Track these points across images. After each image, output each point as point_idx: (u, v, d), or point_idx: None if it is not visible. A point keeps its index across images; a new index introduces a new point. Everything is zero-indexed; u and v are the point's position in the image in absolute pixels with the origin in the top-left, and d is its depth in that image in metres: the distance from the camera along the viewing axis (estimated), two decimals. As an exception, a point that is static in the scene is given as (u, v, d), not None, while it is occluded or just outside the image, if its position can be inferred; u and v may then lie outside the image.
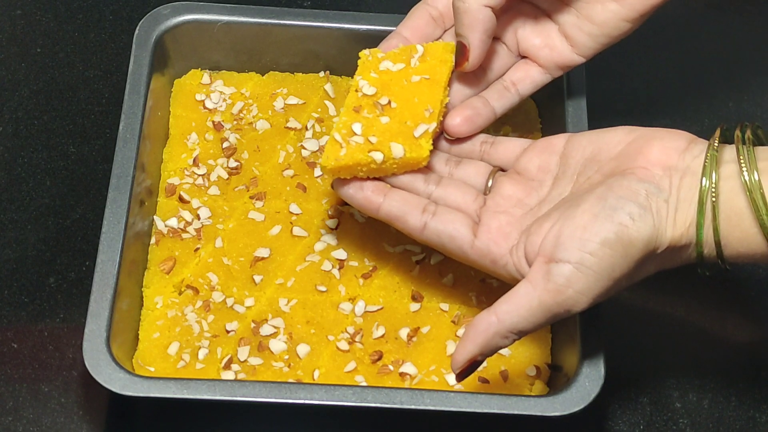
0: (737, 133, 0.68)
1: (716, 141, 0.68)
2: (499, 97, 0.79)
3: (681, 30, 0.99)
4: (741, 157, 0.66)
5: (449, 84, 0.77)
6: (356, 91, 0.75)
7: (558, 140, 0.75)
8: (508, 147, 0.77)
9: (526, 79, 0.80)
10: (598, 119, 0.92)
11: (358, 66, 0.77)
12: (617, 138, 0.72)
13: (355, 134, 0.74)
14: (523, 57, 0.81)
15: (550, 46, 0.79)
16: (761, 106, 0.95)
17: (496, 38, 0.80)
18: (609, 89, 0.95)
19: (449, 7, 0.78)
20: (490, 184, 0.76)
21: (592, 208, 0.67)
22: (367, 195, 0.74)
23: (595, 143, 0.73)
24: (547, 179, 0.74)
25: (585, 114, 0.85)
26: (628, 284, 0.69)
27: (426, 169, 0.75)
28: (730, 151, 0.68)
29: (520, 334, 0.68)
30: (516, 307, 0.67)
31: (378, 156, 0.73)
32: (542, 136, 0.88)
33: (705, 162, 0.68)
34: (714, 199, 0.67)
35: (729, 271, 0.69)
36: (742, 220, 0.66)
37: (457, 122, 0.77)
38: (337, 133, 0.74)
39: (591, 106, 0.86)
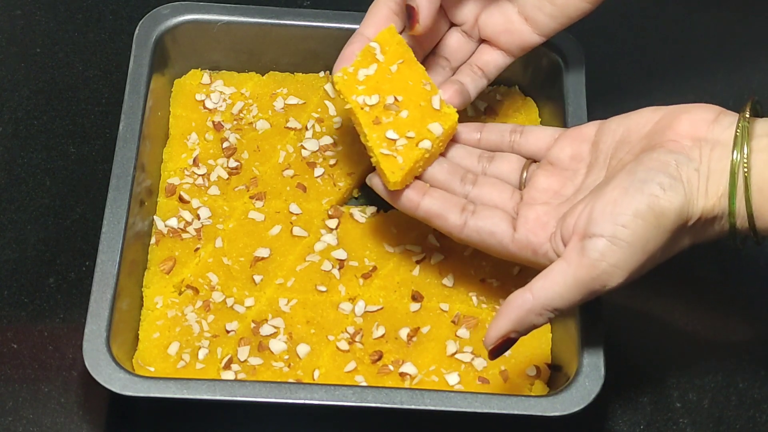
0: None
1: (747, 113, 0.69)
2: (471, 81, 0.80)
3: (681, 29, 0.99)
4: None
5: None
6: (361, 108, 0.75)
7: (589, 128, 0.76)
8: (539, 137, 0.77)
9: (490, 63, 0.81)
10: (598, 119, 0.93)
11: (340, 92, 0.76)
12: (645, 117, 0.72)
13: (395, 140, 0.74)
14: (484, 41, 0.81)
15: (510, 30, 0.80)
16: (761, 106, 0.95)
17: (455, 25, 0.81)
18: (609, 89, 0.95)
19: None
20: (525, 177, 0.76)
21: (622, 183, 0.68)
22: (407, 194, 0.75)
23: (625, 125, 0.73)
24: (581, 168, 0.75)
25: (585, 114, 0.85)
26: (663, 258, 0.69)
27: (459, 168, 0.77)
28: (761, 125, 0.68)
29: (555, 312, 0.69)
30: (551, 284, 0.68)
31: (427, 144, 0.74)
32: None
33: (736, 133, 0.68)
34: (746, 171, 0.67)
35: (761, 244, 0.69)
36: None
37: (448, 96, 0.78)
38: (382, 148, 0.74)
39: (591, 106, 0.86)
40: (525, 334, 0.70)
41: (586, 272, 0.67)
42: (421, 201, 0.75)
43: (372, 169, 0.78)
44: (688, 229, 0.68)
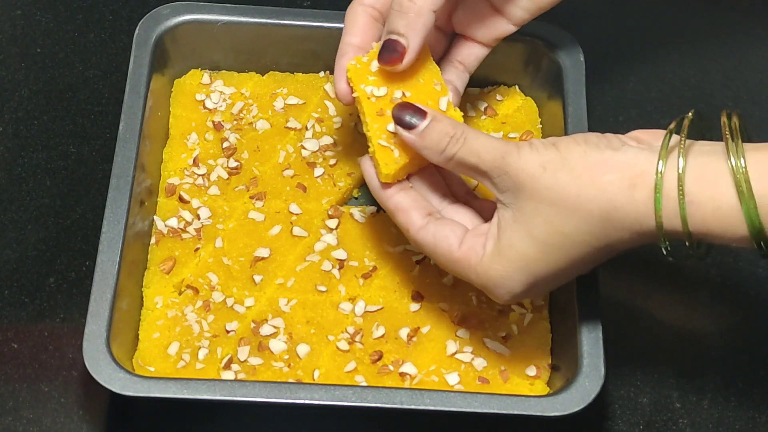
0: (723, 117, 0.67)
1: (691, 113, 0.68)
2: (457, 77, 0.81)
3: (680, 30, 0.99)
4: (726, 133, 0.65)
5: None
6: (369, 98, 0.75)
7: None
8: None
9: (470, 56, 0.81)
10: (598, 119, 0.93)
11: (350, 79, 0.76)
12: None
13: (396, 133, 0.74)
14: (458, 35, 0.82)
15: (485, 25, 0.81)
16: (761, 106, 0.95)
17: None
18: (609, 89, 0.95)
19: (384, 3, 0.77)
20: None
21: None
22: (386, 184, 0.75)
23: None
24: None
25: (585, 114, 0.85)
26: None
27: (444, 185, 0.76)
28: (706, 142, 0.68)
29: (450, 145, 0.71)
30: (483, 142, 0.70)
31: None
32: (542, 137, 0.88)
33: (676, 121, 0.68)
34: (682, 149, 0.65)
35: (695, 247, 0.67)
36: (717, 181, 0.64)
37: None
38: (381, 140, 0.74)
39: (591, 106, 0.86)
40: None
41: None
42: (396, 194, 0.74)
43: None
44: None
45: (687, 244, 0.66)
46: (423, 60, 0.76)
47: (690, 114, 0.68)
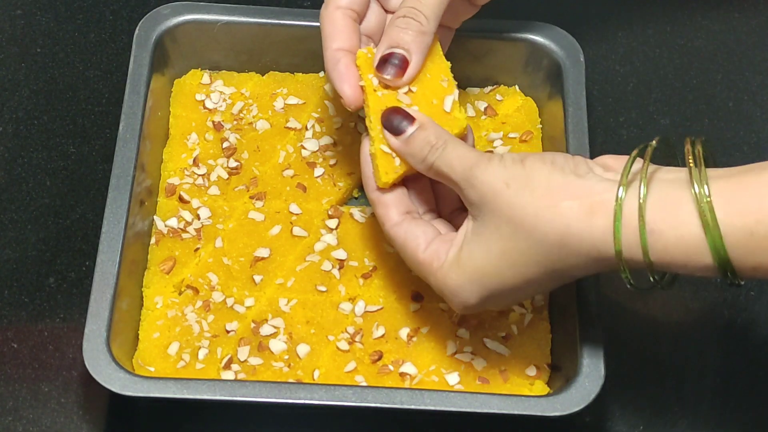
0: (687, 145, 0.66)
1: (654, 141, 0.67)
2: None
3: (681, 29, 0.99)
4: (689, 160, 0.64)
5: None
6: (375, 92, 0.74)
7: None
8: None
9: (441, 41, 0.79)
10: (598, 119, 0.93)
11: (359, 68, 0.75)
12: None
13: None
14: None
15: (451, 8, 0.77)
16: (761, 106, 0.95)
17: (389, 12, 0.79)
18: (609, 89, 0.95)
19: (361, 4, 0.76)
20: None
21: None
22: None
23: None
24: None
25: (585, 114, 0.85)
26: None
27: (432, 197, 0.76)
28: (670, 169, 0.67)
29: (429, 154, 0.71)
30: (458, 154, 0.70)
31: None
32: (542, 137, 0.88)
33: (638, 148, 0.67)
34: (644, 176, 0.64)
35: (657, 278, 0.66)
36: (678, 208, 0.63)
37: None
38: (383, 144, 0.73)
39: (591, 106, 0.86)
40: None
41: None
42: (383, 190, 0.74)
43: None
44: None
45: (649, 273, 0.65)
46: (432, 54, 0.75)
47: (654, 142, 0.67)
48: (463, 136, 0.74)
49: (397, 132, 0.72)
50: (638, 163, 0.66)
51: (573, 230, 0.65)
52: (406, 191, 0.74)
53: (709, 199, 0.62)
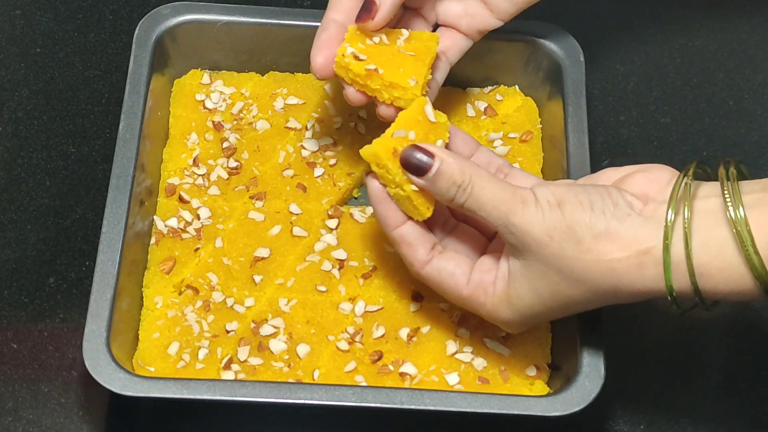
0: (721, 169, 0.67)
1: (690, 171, 0.67)
2: (436, 69, 0.80)
3: (681, 29, 0.99)
4: (725, 191, 0.65)
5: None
6: (343, 56, 0.75)
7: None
8: (521, 183, 0.74)
9: (453, 47, 0.81)
10: (598, 119, 0.93)
11: (346, 41, 0.76)
12: (605, 177, 0.72)
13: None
14: (441, 25, 0.81)
15: (470, 14, 0.81)
16: (761, 106, 0.95)
17: (413, 9, 0.81)
18: (609, 89, 0.95)
19: None
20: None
21: None
22: (392, 213, 0.73)
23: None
24: None
25: (585, 114, 0.84)
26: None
27: (446, 211, 0.76)
28: (707, 187, 0.67)
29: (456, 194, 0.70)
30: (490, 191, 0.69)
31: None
32: (542, 137, 0.88)
33: (674, 186, 0.67)
34: (686, 225, 0.65)
35: (711, 310, 0.68)
36: (724, 249, 0.65)
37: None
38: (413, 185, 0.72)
39: (591, 106, 0.86)
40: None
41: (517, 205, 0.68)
42: (403, 225, 0.73)
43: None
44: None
45: (699, 301, 0.67)
46: (417, 60, 0.76)
47: (690, 173, 0.67)
48: (408, 105, 0.75)
49: (419, 172, 0.70)
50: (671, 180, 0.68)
51: (624, 282, 0.67)
52: (424, 225, 0.74)
53: (749, 234, 0.64)
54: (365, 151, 0.72)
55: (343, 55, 0.75)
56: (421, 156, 0.70)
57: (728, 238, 0.64)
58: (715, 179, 0.67)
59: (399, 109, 0.76)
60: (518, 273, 0.70)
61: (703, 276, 0.65)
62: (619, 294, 0.68)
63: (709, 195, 0.67)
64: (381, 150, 0.71)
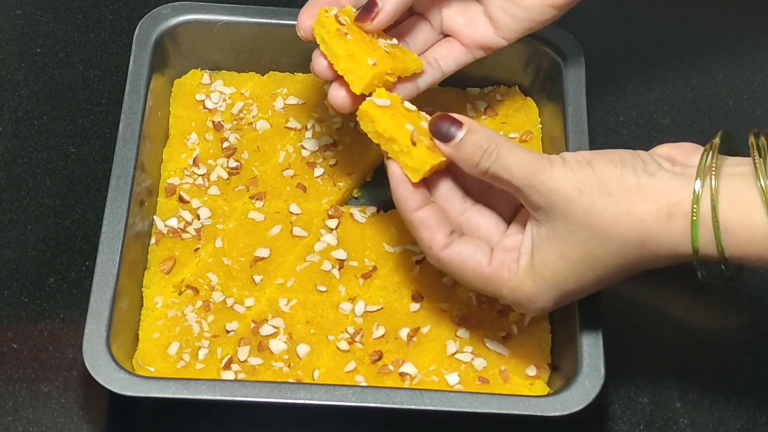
0: (751, 138, 0.67)
1: (717, 138, 0.68)
2: (421, 75, 0.79)
3: (681, 29, 0.99)
4: (755, 156, 0.66)
5: None
6: (326, 11, 0.75)
7: None
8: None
9: (449, 56, 0.81)
10: (598, 119, 0.93)
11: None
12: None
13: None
14: (446, 35, 0.81)
15: (473, 26, 0.80)
16: (761, 106, 0.95)
17: (420, 14, 0.80)
18: (609, 89, 0.95)
19: None
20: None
21: None
22: (411, 196, 0.72)
23: None
24: None
25: (585, 114, 0.85)
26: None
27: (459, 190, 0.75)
28: (734, 158, 0.68)
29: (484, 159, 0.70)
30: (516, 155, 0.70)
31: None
32: (542, 137, 0.88)
33: (705, 150, 0.67)
34: (713, 181, 0.66)
35: (736, 279, 0.69)
36: (751, 207, 0.65)
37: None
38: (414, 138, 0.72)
39: (591, 106, 0.86)
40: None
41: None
42: (423, 208, 0.72)
43: (374, 167, 0.78)
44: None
45: (723, 268, 0.67)
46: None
47: (717, 138, 0.68)
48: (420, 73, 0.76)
49: (446, 138, 0.71)
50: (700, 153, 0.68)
51: (652, 234, 0.67)
52: (441, 210, 0.73)
53: None
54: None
55: (326, 11, 0.75)
56: (448, 125, 0.71)
57: (756, 197, 0.65)
58: (739, 154, 0.68)
59: (349, 91, 0.75)
60: (544, 239, 0.70)
61: (727, 232, 0.65)
62: (645, 253, 0.67)
63: (738, 164, 0.67)
64: (369, 107, 0.72)
